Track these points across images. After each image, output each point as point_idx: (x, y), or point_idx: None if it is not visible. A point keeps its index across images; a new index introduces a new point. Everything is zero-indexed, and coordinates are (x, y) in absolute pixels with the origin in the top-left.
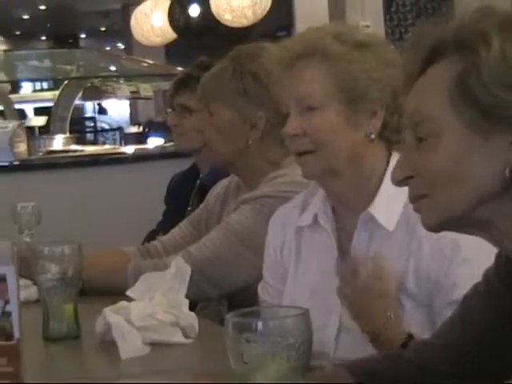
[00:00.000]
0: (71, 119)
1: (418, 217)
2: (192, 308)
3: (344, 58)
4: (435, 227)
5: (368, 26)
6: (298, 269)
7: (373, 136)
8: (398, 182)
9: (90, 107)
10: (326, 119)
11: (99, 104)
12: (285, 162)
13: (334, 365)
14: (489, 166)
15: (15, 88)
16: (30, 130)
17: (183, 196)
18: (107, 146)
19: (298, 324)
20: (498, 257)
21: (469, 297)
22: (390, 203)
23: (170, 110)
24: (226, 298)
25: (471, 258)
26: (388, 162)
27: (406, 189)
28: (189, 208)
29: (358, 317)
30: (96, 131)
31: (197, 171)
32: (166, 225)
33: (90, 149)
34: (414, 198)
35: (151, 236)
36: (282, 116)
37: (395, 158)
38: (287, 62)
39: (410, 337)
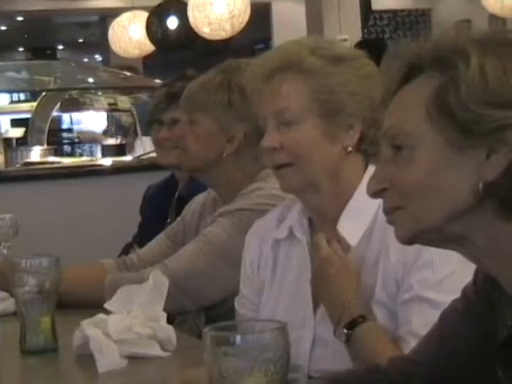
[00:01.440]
0: (48, 131)
1: (387, 227)
2: (170, 322)
3: (319, 71)
4: (408, 240)
5: (346, 40)
6: (274, 282)
7: (350, 149)
8: (373, 194)
9: (67, 119)
10: (302, 132)
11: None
12: (260, 175)
13: (312, 378)
14: (463, 180)
15: None
16: (8, 141)
17: (160, 208)
18: (85, 158)
19: (276, 338)
20: (476, 273)
21: (446, 313)
22: (357, 216)
23: (153, 125)
24: (203, 312)
25: (432, 261)
26: (364, 175)
27: (376, 200)
28: (168, 221)
29: (320, 293)
30: (73, 143)
31: (174, 182)
32: (141, 236)
33: (67, 160)
34: (388, 210)
35: (127, 249)
36: (260, 133)
37: (371, 170)
38: (265, 76)
39: (362, 318)
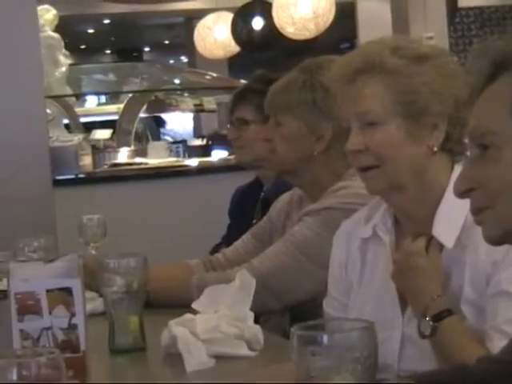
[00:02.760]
0: (135, 132)
1: (477, 226)
2: (254, 321)
3: (402, 71)
4: (496, 240)
5: (431, 38)
6: (363, 282)
7: (435, 149)
8: (460, 194)
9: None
10: (387, 134)
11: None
12: (347, 173)
13: (401, 377)
14: None
15: (80, 101)
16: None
17: (247, 209)
18: (171, 159)
19: (364, 337)
20: None
21: None
22: (451, 218)
23: (228, 126)
24: (288, 310)
25: None
26: (451, 174)
27: (467, 200)
28: (253, 221)
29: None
30: None
31: (260, 184)
32: (230, 238)
33: (154, 161)
34: (476, 211)
35: (216, 249)
36: (348, 129)
37: (458, 169)
38: (347, 78)
39: (448, 312)
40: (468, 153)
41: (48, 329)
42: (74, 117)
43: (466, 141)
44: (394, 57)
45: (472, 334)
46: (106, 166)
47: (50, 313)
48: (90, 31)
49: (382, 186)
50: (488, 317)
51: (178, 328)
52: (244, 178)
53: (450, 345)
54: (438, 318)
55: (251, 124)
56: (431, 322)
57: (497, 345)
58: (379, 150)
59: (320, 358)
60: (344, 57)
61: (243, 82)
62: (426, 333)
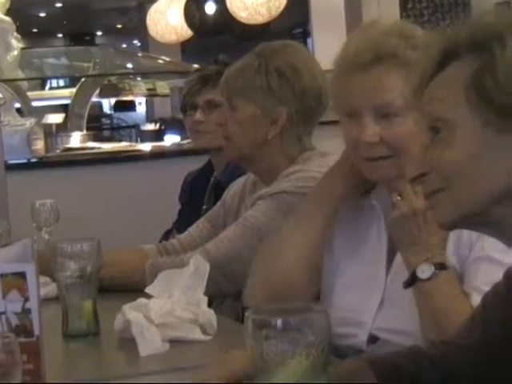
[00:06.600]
0: (88, 116)
1: None
2: (208, 305)
3: None
4: (449, 224)
5: None
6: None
7: None
8: (413, 180)
9: (106, 104)
10: (405, 126)
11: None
12: (301, 157)
13: (356, 359)
14: (502, 163)
15: (32, 85)
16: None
17: (198, 194)
18: (124, 144)
19: (318, 321)
20: None
21: (489, 296)
22: None
23: (184, 111)
24: (242, 294)
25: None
26: None
27: None
28: (204, 206)
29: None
30: (112, 128)
31: (211, 169)
32: (180, 223)
33: (106, 146)
34: (428, 194)
35: (166, 236)
36: (303, 112)
37: None
38: (359, 68)
39: (441, 266)
40: None
41: (2, 313)
42: (26, 101)
43: None
44: (408, 49)
45: (462, 291)
46: (58, 151)
47: (4, 297)
48: (42, 15)
49: (391, 175)
50: (467, 279)
51: (131, 312)
52: (197, 163)
53: (447, 293)
54: (441, 266)
55: (221, 107)
56: (433, 267)
57: (475, 301)
58: (396, 142)
59: (274, 341)
60: (347, 46)
61: (196, 66)
62: (424, 276)
